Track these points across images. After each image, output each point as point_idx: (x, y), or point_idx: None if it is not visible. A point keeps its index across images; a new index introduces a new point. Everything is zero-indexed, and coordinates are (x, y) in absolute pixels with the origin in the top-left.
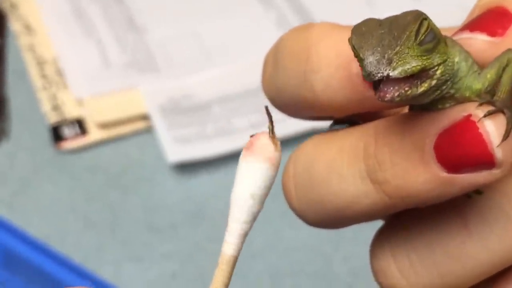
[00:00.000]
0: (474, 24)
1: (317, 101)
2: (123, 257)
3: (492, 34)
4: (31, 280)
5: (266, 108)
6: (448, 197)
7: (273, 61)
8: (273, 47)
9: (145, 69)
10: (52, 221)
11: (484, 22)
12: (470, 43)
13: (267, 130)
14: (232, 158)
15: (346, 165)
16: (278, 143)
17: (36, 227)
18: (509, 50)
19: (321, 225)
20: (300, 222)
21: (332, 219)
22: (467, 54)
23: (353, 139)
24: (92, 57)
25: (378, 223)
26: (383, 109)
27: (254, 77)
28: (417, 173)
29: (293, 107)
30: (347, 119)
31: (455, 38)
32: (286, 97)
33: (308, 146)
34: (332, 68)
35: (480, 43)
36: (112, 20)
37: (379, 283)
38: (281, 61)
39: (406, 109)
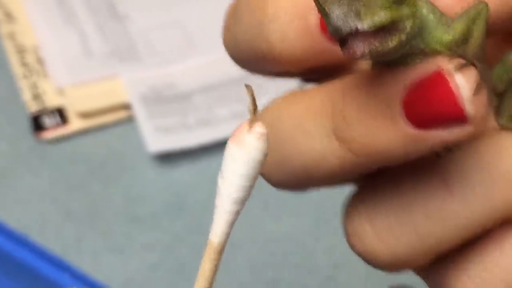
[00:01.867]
0: None
1: (273, 53)
2: (103, 248)
3: None
4: (8, 272)
5: (247, 86)
6: (417, 155)
7: (233, 12)
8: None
9: (126, 58)
10: (31, 211)
11: None
12: None
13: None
14: (214, 148)
15: (313, 122)
16: (258, 126)
17: (15, 218)
18: (479, 2)
19: (286, 186)
20: (281, 214)
21: (298, 179)
22: (434, 5)
23: (321, 96)
24: (73, 45)
25: None
26: (344, 63)
27: (236, 66)
28: (384, 130)
29: (252, 61)
30: (316, 77)
31: None
32: (244, 50)
33: (275, 103)
34: (288, 18)
35: None
36: (94, 8)
37: (354, 248)
38: (239, 11)
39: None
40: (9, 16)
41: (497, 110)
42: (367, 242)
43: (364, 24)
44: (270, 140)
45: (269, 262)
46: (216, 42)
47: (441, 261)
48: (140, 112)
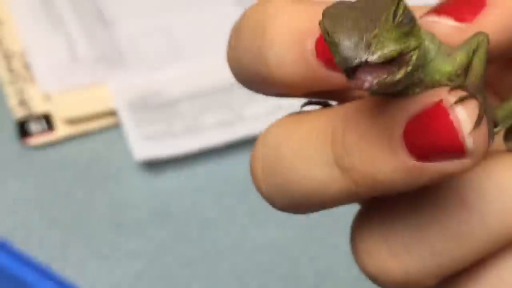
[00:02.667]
0: (442, 8)
1: (272, 77)
2: (88, 255)
3: (459, 19)
4: None
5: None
6: (417, 186)
7: (236, 32)
8: (237, 21)
9: (113, 65)
10: (16, 218)
11: (453, 6)
12: (435, 27)
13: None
14: (200, 156)
15: (314, 149)
16: None
17: (0, 224)
18: (479, 32)
19: (289, 210)
20: (267, 223)
21: (299, 204)
22: (433, 35)
23: (322, 122)
24: (60, 51)
25: (347, 225)
26: (341, 90)
27: (223, 74)
28: (384, 161)
29: (254, 82)
30: (318, 100)
31: (420, 21)
32: (246, 70)
33: (276, 127)
34: (286, 44)
35: (445, 28)
36: (81, 14)
37: (366, 267)
38: (241, 35)
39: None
40: None
41: (506, 134)
42: (381, 260)
43: (374, 56)
44: (272, 165)
45: (254, 271)
46: (203, 49)
47: (451, 281)
48: (126, 119)
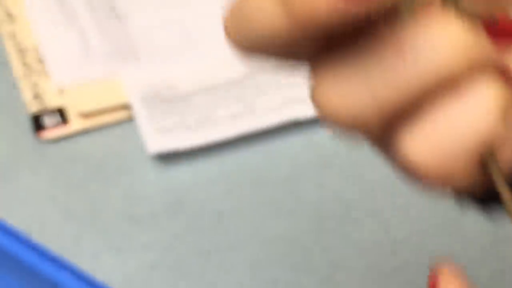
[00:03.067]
0: None
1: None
2: (103, 248)
3: None
4: (8, 269)
5: None
6: (355, 22)
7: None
8: None
9: (126, 58)
10: (31, 211)
11: None
12: None
13: None
14: (213, 148)
15: None
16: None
17: (15, 217)
18: None
19: (245, 48)
20: (279, 214)
21: (257, 45)
22: None
23: None
24: (74, 45)
25: (358, 216)
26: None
27: (235, 67)
28: None
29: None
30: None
31: None
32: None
33: None
34: None
35: None
36: (94, 8)
37: (319, 107)
38: None
39: None
40: (9, 16)
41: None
42: (331, 100)
43: None
44: (235, 9)
45: (267, 262)
46: (215, 42)
47: (394, 127)
48: (140, 113)
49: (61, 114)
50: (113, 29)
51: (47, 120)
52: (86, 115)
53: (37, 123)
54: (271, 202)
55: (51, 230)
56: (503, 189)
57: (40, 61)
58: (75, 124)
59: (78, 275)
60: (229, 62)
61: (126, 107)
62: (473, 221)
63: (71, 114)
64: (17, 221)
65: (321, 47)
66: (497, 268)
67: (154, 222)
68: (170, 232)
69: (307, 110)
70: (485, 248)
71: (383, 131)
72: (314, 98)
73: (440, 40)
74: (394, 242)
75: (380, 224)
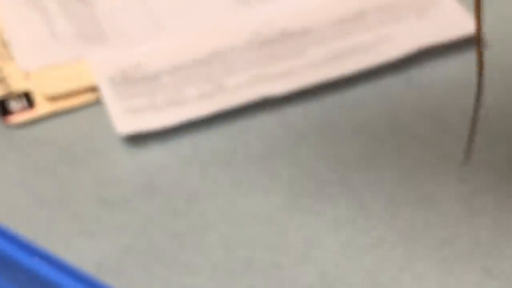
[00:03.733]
0: None
1: None
2: (74, 232)
3: None
4: None
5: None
6: None
7: None
8: None
9: (93, 40)
10: (0, 197)
11: None
12: None
13: None
14: (183, 128)
15: None
16: None
17: None
18: None
19: None
20: (253, 192)
21: None
22: None
23: None
24: (39, 28)
25: (332, 192)
26: None
27: (204, 46)
28: None
29: None
30: None
31: None
32: None
33: None
34: None
35: None
36: None
37: None
38: None
39: None
40: None
41: None
42: None
43: None
44: None
45: (241, 241)
46: (182, 22)
47: None
48: (108, 94)
49: (27, 98)
50: (78, 12)
51: (13, 105)
52: (53, 99)
53: (3, 108)
54: (244, 181)
55: (21, 216)
56: None
57: (4, 45)
58: (42, 108)
59: (50, 260)
60: (196, 41)
61: (93, 89)
62: (448, 194)
63: (38, 98)
64: None
65: None
66: (474, 241)
67: (126, 204)
68: (142, 215)
69: (278, 87)
70: (460, 221)
71: None
72: None
73: None
74: (369, 218)
75: (354, 201)
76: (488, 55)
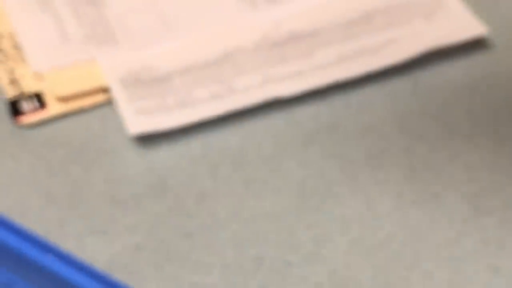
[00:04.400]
0: None
1: None
2: (86, 231)
3: None
4: None
5: None
6: None
7: None
8: None
9: (104, 42)
10: (13, 196)
11: None
12: None
13: None
14: (193, 129)
15: None
16: None
17: None
18: None
19: None
20: (263, 192)
21: None
22: None
23: None
24: (50, 30)
25: (340, 192)
26: None
27: (214, 47)
28: None
29: None
30: None
31: None
32: None
33: None
34: None
35: None
36: None
37: None
38: None
39: None
40: None
41: None
42: None
43: None
44: None
45: (252, 240)
46: (192, 23)
47: None
48: (119, 95)
49: (39, 99)
50: (89, 14)
51: (25, 105)
52: (64, 99)
53: (15, 109)
54: (254, 180)
55: (34, 215)
56: None
57: (17, 47)
58: (53, 108)
59: (64, 257)
60: (206, 43)
61: (104, 90)
62: (455, 194)
63: (49, 98)
64: None
65: None
66: (479, 241)
67: (137, 204)
68: (153, 214)
69: (287, 88)
70: (467, 220)
71: None
72: None
73: None
74: (377, 217)
75: (363, 200)
76: (495, 57)
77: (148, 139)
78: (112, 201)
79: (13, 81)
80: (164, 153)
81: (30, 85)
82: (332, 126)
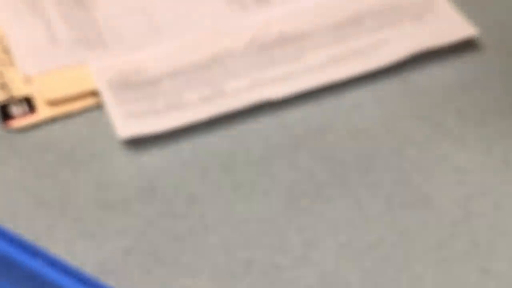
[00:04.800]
0: None
1: None
2: (75, 235)
3: None
4: None
5: None
6: None
7: None
8: None
9: (93, 45)
10: (1, 200)
11: None
12: None
13: None
14: (183, 132)
15: None
16: None
17: None
18: None
19: None
20: (253, 195)
21: None
22: None
23: None
24: (39, 34)
25: (331, 194)
26: None
27: (203, 50)
28: None
29: None
30: None
31: None
32: None
33: None
34: None
35: None
36: None
37: None
38: None
39: None
40: None
41: None
42: None
43: None
44: None
45: (241, 243)
46: (181, 26)
47: None
48: (108, 99)
49: (28, 103)
50: (78, 17)
51: (15, 109)
52: (54, 103)
53: (4, 113)
54: (244, 183)
55: (23, 219)
56: None
57: (5, 50)
58: (43, 112)
59: (53, 261)
60: (196, 46)
61: (94, 94)
62: (445, 196)
63: (39, 102)
64: None
65: None
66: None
67: (127, 207)
68: (143, 217)
69: (277, 91)
70: (457, 222)
71: None
72: None
73: None
74: (367, 219)
75: (353, 202)
76: (484, 58)
77: (137, 143)
78: (101, 205)
79: (3, 85)
80: (153, 157)
81: (19, 89)
82: (322, 129)
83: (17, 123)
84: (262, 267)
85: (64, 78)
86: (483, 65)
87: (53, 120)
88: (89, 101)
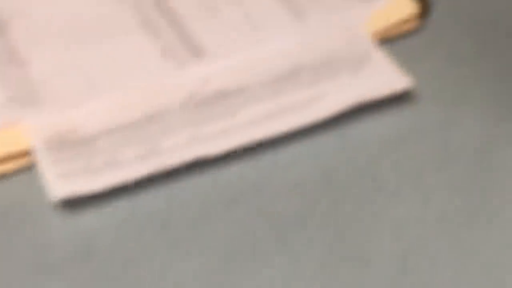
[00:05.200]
0: None
1: None
2: None
3: None
4: None
5: None
6: None
7: None
8: None
9: (27, 103)
10: None
11: None
12: None
13: None
14: (119, 191)
15: None
16: None
17: None
18: None
19: None
20: (190, 254)
21: None
22: None
23: None
24: None
25: (270, 246)
26: None
27: (140, 108)
28: None
29: None
30: None
31: None
32: None
33: None
34: None
35: None
36: None
37: None
38: None
39: None
40: None
41: None
42: None
43: None
44: None
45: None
46: (117, 83)
47: None
48: (42, 158)
49: None
50: (12, 75)
51: None
52: None
53: None
54: (181, 242)
55: None
56: None
57: None
58: None
59: None
60: (131, 103)
61: (28, 153)
62: (381, 253)
63: None
64: None
65: None
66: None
67: (62, 270)
68: (78, 281)
69: (212, 148)
70: (394, 279)
71: None
72: None
73: None
74: (304, 277)
75: (290, 259)
76: (420, 109)
77: (73, 204)
78: (36, 268)
79: None
80: (89, 217)
81: None
82: (259, 184)
83: None
84: None
85: None
86: (420, 116)
87: None
88: (22, 161)
